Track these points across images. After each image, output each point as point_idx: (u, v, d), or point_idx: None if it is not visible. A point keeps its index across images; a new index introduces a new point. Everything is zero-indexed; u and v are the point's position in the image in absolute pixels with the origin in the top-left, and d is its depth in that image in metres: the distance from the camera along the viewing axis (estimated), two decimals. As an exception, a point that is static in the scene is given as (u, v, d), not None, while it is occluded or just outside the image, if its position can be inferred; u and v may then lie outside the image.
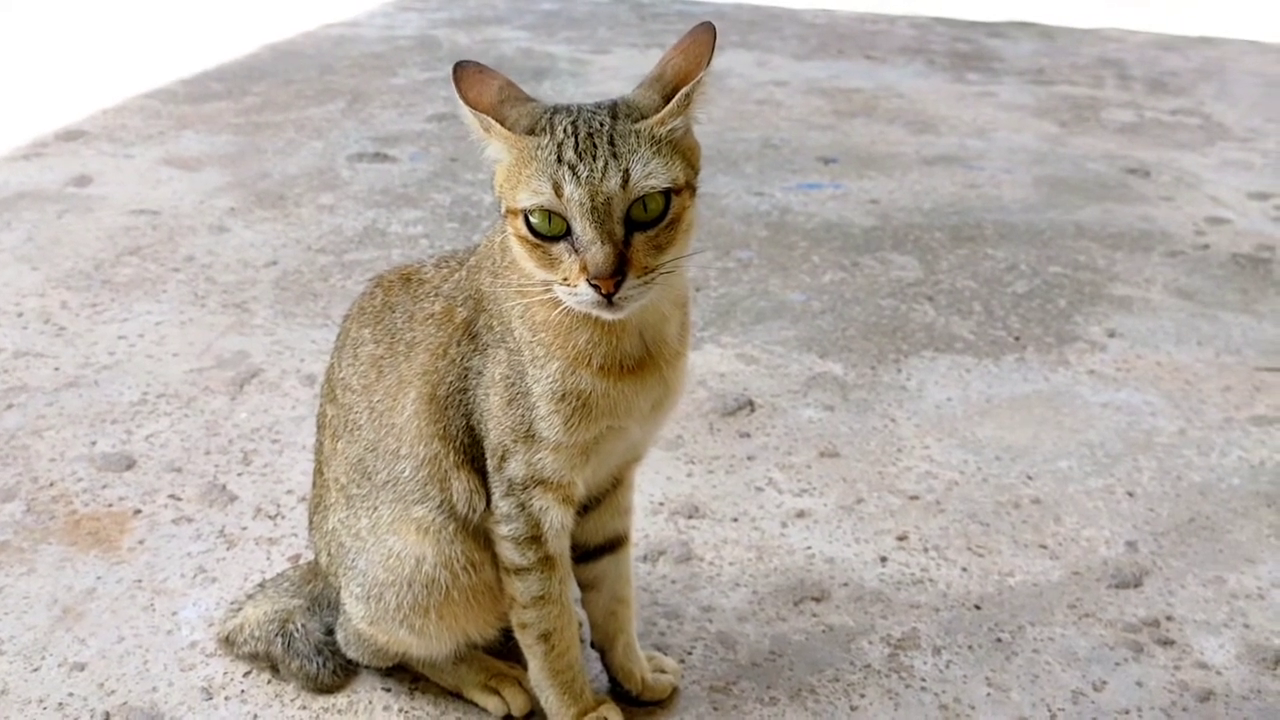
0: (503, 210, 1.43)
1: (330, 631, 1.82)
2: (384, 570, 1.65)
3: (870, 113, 4.97)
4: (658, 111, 1.37)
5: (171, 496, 2.28)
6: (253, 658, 1.84)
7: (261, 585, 1.95)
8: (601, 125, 1.36)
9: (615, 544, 1.77)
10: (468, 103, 1.40)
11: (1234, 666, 1.91)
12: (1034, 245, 3.60)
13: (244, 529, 2.19)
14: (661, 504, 2.29)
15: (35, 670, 1.84)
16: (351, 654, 1.80)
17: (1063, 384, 2.79)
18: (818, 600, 2.04)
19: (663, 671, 1.83)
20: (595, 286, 1.34)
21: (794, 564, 2.13)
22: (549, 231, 1.37)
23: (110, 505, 2.25)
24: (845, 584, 2.08)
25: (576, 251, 1.35)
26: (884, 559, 2.15)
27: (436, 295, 1.63)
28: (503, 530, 1.58)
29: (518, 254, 1.43)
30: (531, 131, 1.38)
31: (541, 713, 1.72)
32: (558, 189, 1.34)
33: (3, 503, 2.25)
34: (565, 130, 1.36)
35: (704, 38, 1.41)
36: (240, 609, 1.89)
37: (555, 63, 5.64)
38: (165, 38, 6.04)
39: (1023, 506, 2.32)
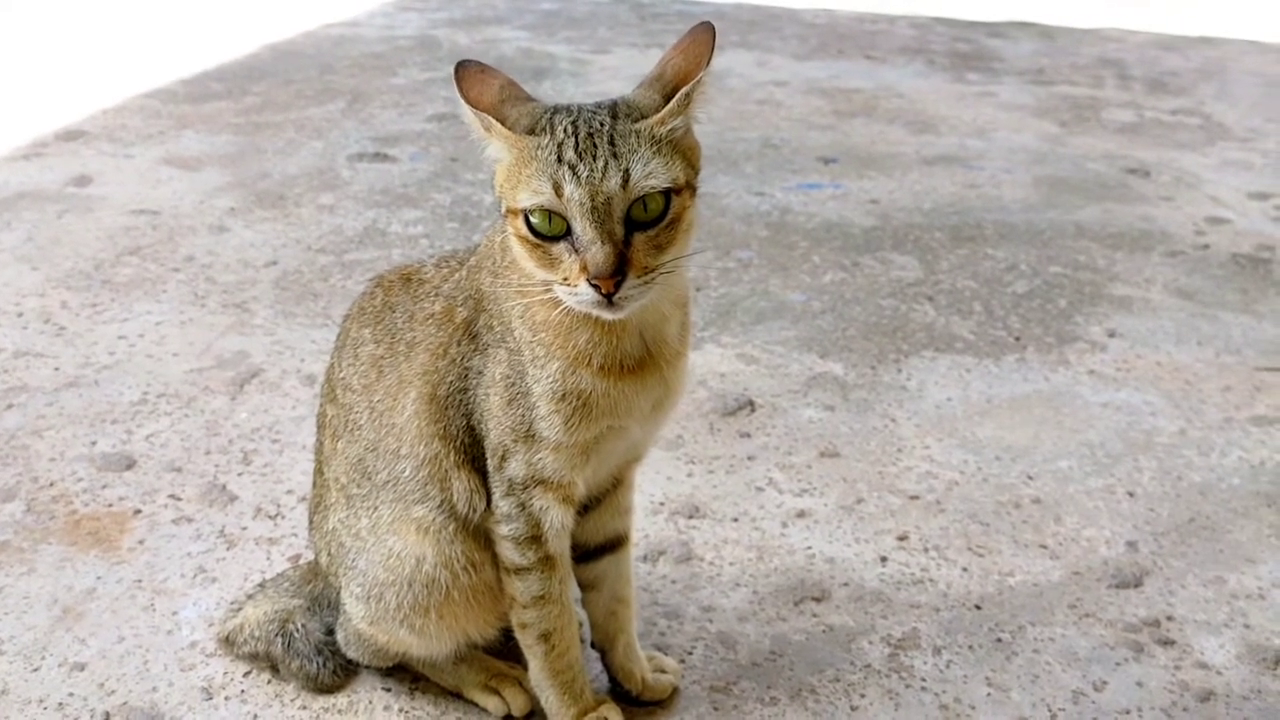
0: (503, 210, 1.43)
1: (330, 631, 1.82)
2: (384, 570, 1.65)
3: (870, 113, 4.97)
4: (658, 111, 1.37)
5: (172, 496, 2.28)
6: (253, 658, 1.84)
7: (262, 585, 1.95)
8: (602, 125, 1.36)
9: (615, 544, 1.77)
10: (469, 102, 1.40)
11: (1234, 666, 1.91)
12: (1034, 245, 3.60)
13: (244, 529, 2.19)
14: (662, 504, 2.29)
15: (35, 670, 1.84)
16: (352, 654, 1.80)
17: (1063, 384, 2.79)
18: (818, 600, 2.04)
19: (663, 671, 1.83)
20: (595, 286, 1.34)
21: (794, 564, 2.13)
22: (549, 231, 1.37)
23: (110, 505, 2.25)
24: (845, 584, 2.08)
25: (577, 251, 1.35)
26: (884, 559, 2.15)
27: (437, 295, 1.63)
28: (503, 530, 1.58)
29: (518, 254, 1.43)
30: (532, 131, 1.38)
31: (542, 713, 1.72)
32: (558, 189, 1.34)
33: (3, 503, 2.25)
34: (565, 130, 1.36)
35: (704, 37, 1.41)
36: (240, 609, 1.89)
37: (555, 63, 5.64)
38: (165, 38, 6.04)
39: (1023, 506, 2.32)
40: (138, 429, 2.50)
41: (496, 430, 1.54)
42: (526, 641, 1.67)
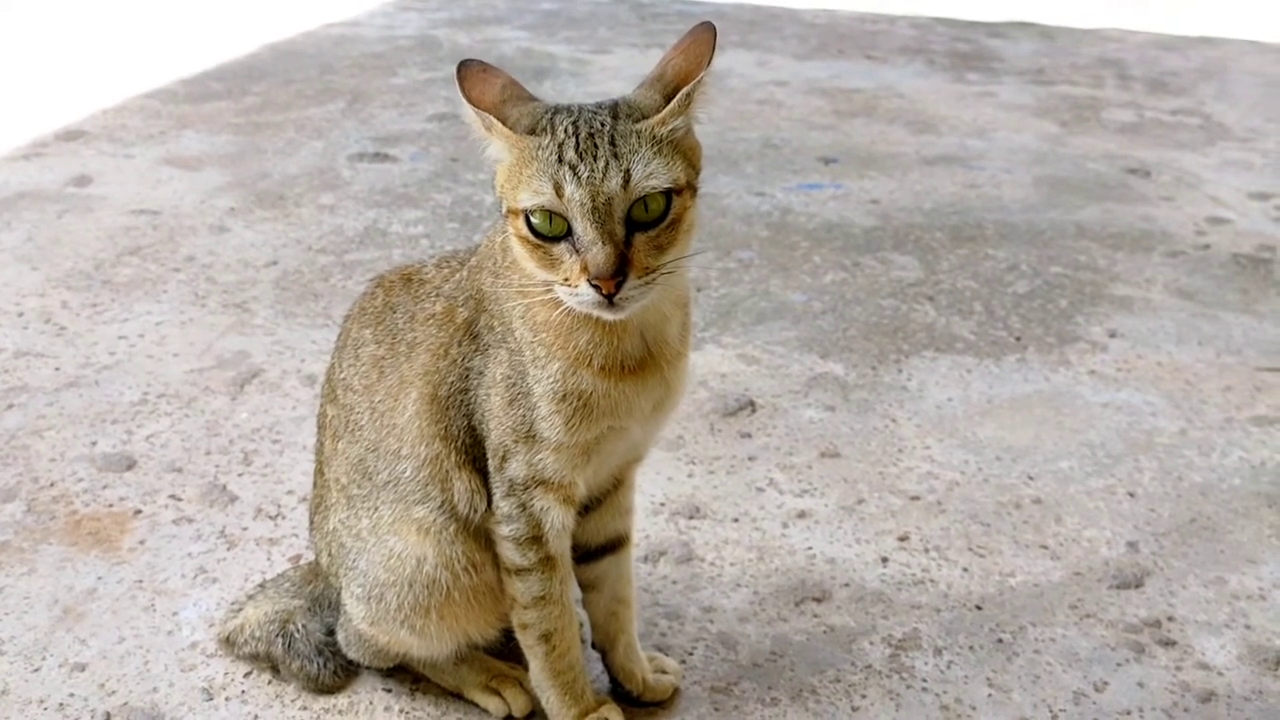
0: (504, 210, 1.43)
1: (331, 632, 1.82)
2: (385, 571, 1.65)
3: (871, 113, 4.96)
4: (659, 111, 1.37)
5: (172, 497, 2.28)
6: (253, 658, 1.84)
7: (262, 586, 1.95)
8: (602, 125, 1.36)
9: (616, 544, 1.77)
10: (470, 101, 1.40)
11: (1235, 667, 1.91)
12: (1034, 245, 3.60)
13: (244, 529, 2.19)
14: (662, 504, 2.29)
15: (36, 670, 1.84)
16: (352, 654, 1.80)
17: (1063, 384, 2.79)
18: (819, 601, 2.04)
19: (664, 672, 1.83)
20: (596, 287, 1.34)
21: (795, 564, 2.13)
22: (550, 232, 1.37)
23: (111, 505, 2.25)
24: (846, 584, 2.08)
25: (577, 252, 1.35)
26: (885, 559, 2.15)
27: (438, 295, 1.63)
28: (504, 531, 1.58)
29: (519, 254, 1.43)
30: (532, 131, 1.38)
31: (542, 713, 1.72)
32: (558, 189, 1.34)
33: (3, 503, 2.25)
34: (566, 130, 1.36)
35: (704, 37, 1.40)
36: (241, 609, 1.89)
37: (555, 63, 5.64)
38: (165, 38, 6.04)
39: (1024, 507, 2.32)
40: (138, 429, 2.50)
41: (497, 431, 1.54)
42: (527, 642, 1.67)
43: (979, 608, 2.03)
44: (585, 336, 1.47)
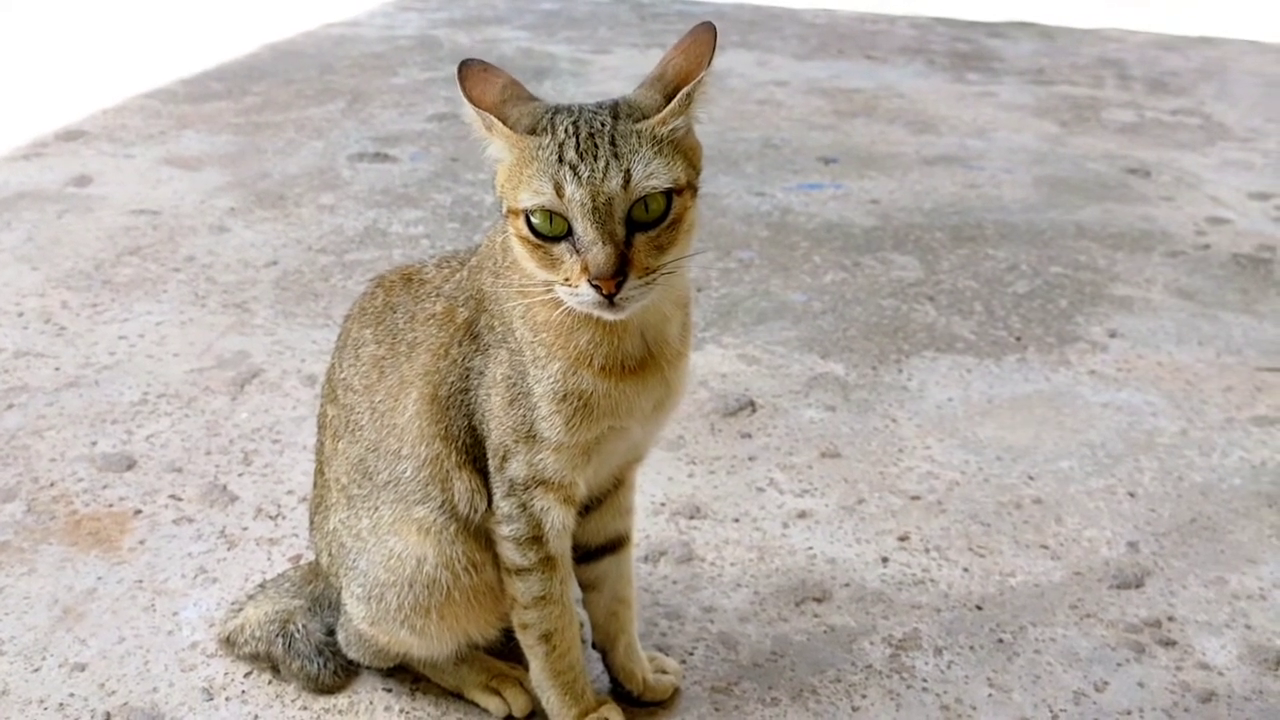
0: (504, 210, 1.43)
1: (331, 632, 1.82)
2: (385, 571, 1.65)
3: (871, 113, 4.96)
4: (659, 111, 1.37)
5: (172, 497, 2.28)
6: (253, 658, 1.84)
7: (262, 586, 1.95)
8: (603, 125, 1.36)
9: (617, 544, 1.77)
10: (471, 100, 1.40)
11: (1236, 667, 1.91)
12: (1035, 245, 3.59)
13: (245, 529, 2.19)
14: (663, 504, 2.29)
15: (36, 670, 1.84)
16: (352, 654, 1.80)
17: (1064, 384, 2.79)
18: (819, 601, 2.04)
19: (664, 672, 1.83)
20: (596, 287, 1.34)
21: (795, 564, 2.13)
22: (550, 232, 1.37)
23: (111, 505, 2.25)
24: (847, 584, 2.08)
25: (578, 252, 1.35)
26: (885, 559, 2.15)
27: (438, 295, 1.63)
28: (504, 531, 1.58)
29: (519, 254, 1.43)
30: (533, 131, 1.38)
31: (543, 713, 1.71)
32: (559, 189, 1.33)
33: (3, 503, 2.25)
34: (566, 130, 1.36)
35: (704, 37, 1.40)
36: (241, 609, 1.89)
37: (556, 63, 5.64)
38: (165, 38, 6.04)
39: (1024, 507, 2.32)
40: (138, 429, 2.50)
41: (498, 431, 1.54)
42: (527, 642, 1.67)
43: (979, 608, 2.03)
44: (585, 336, 1.47)
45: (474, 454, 1.59)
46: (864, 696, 1.83)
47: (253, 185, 3.93)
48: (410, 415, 1.61)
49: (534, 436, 1.51)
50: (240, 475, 2.35)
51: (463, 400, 1.58)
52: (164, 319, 2.99)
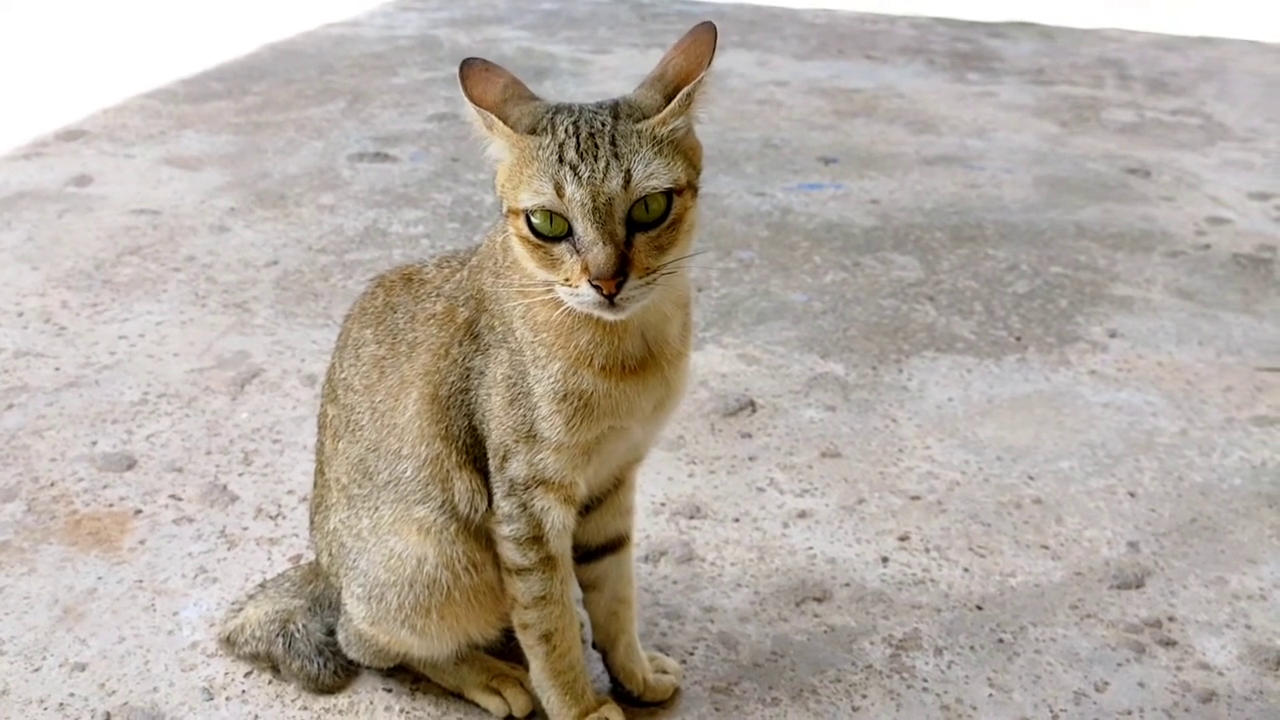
0: (504, 210, 1.43)
1: (331, 632, 1.82)
2: (385, 570, 1.65)
3: (871, 113, 4.96)
4: (659, 111, 1.37)
5: (172, 496, 2.28)
6: (254, 658, 1.84)
7: (262, 585, 1.95)
8: (603, 125, 1.35)
9: (617, 544, 1.77)
10: (472, 99, 1.40)
11: (1236, 667, 1.91)
12: (1035, 245, 3.59)
13: (245, 529, 2.19)
14: (663, 504, 2.29)
15: (36, 670, 1.84)
16: (353, 654, 1.80)
17: (1064, 384, 2.79)
18: (819, 601, 2.04)
19: (664, 672, 1.83)
20: (597, 287, 1.34)
21: (795, 564, 2.13)
22: (550, 232, 1.37)
23: (111, 505, 2.25)
24: (847, 584, 2.08)
25: (578, 252, 1.35)
26: (885, 559, 2.15)
27: (438, 295, 1.63)
28: (504, 530, 1.58)
29: (519, 254, 1.43)
30: (533, 131, 1.38)
31: (543, 713, 1.71)
32: (559, 189, 1.33)
33: (3, 503, 2.25)
34: (567, 130, 1.36)
35: (704, 37, 1.40)
36: (241, 609, 1.89)
37: (556, 63, 5.64)
38: (165, 38, 6.04)
39: (1024, 507, 2.32)
40: (138, 429, 2.50)
41: (498, 430, 1.54)
42: (528, 642, 1.66)
43: (980, 608, 2.03)
44: (586, 336, 1.47)
45: (474, 454, 1.59)
46: (864, 696, 1.83)
47: (253, 185, 3.93)
48: (410, 415, 1.61)
49: (534, 436, 1.51)
50: (240, 475, 2.35)
51: (463, 400, 1.58)
52: (164, 319, 2.99)
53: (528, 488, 1.55)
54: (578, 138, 1.34)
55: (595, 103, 1.41)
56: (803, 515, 2.27)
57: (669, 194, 1.36)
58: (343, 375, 1.71)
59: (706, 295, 3.19)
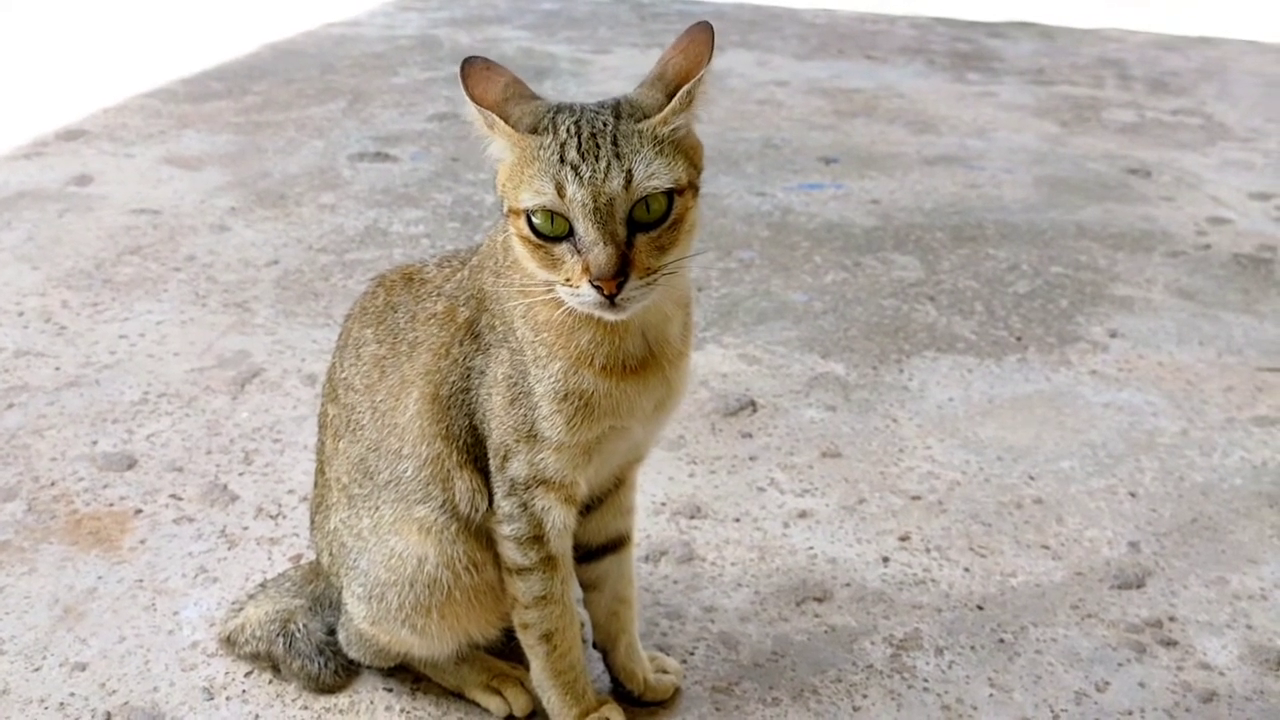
0: (505, 210, 1.43)
1: (332, 631, 1.82)
2: (386, 570, 1.65)
3: (871, 113, 4.96)
4: (660, 110, 1.37)
5: (173, 496, 2.28)
6: (254, 658, 1.84)
7: (263, 585, 1.94)
8: (605, 125, 1.35)
9: (617, 544, 1.77)
10: (474, 98, 1.40)
11: (1237, 667, 1.91)
12: (1035, 245, 3.59)
13: (245, 529, 2.19)
14: (663, 504, 2.29)
15: (36, 670, 1.84)
16: (353, 654, 1.80)
17: (1064, 384, 2.79)
18: (820, 600, 2.04)
19: (665, 672, 1.83)
20: (598, 287, 1.34)
21: (796, 564, 2.13)
22: (551, 232, 1.36)
23: (111, 505, 2.25)
24: (847, 584, 2.08)
25: (579, 252, 1.35)
26: (886, 559, 2.15)
27: (439, 295, 1.63)
28: (505, 530, 1.58)
29: (520, 254, 1.43)
30: (535, 130, 1.38)
31: (543, 713, 1.71)
32: (560, 189, 1.33)
33: (4, 502, 2.25)
34: (568, 130, 1.36)
35: (702, 36, 1.41)
36: (241, 609, 1.88)
37: (556, 62, 5.64)
38: (165, 38, 6.03)
39: (1025, 507, 2.32)
40: (139, 429, 2.50)
41: (499, 430, 1.54)
42: (528, 642, 1.66)
43: (980, 608, 2.03)
44: (587, 336, 1.47)
45: (475, 453, 1.59)
46: (865, 696, 1.83)
47: (253, 185, 3.93)
48: (411, 414, 1.61)
49: (535, 436, 1.51)
50: (241, 475, 2.35)
51: (464, 400, 1.58)
52: (164, 318, 2.99)
53: (528, 487, 1.55)
54: (579, 137, 1.34)
55: (596, 102, 1.41)
56: (803, 515, 2.27)
57: (670, 194, 1.36)
58: (343, 375, 1.71)
59: (707, 295, 3.19)
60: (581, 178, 1.33)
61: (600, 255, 1.33)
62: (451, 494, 1.61)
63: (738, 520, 2.25)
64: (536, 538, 1.58)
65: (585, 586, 1.79)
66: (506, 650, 1.81)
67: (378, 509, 1.66)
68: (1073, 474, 2.43)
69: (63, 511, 2.22)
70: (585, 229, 1.34)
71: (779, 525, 2.24)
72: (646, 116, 1.37)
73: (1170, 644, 1.95)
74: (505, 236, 1.50)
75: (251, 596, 1.91)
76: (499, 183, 1.43)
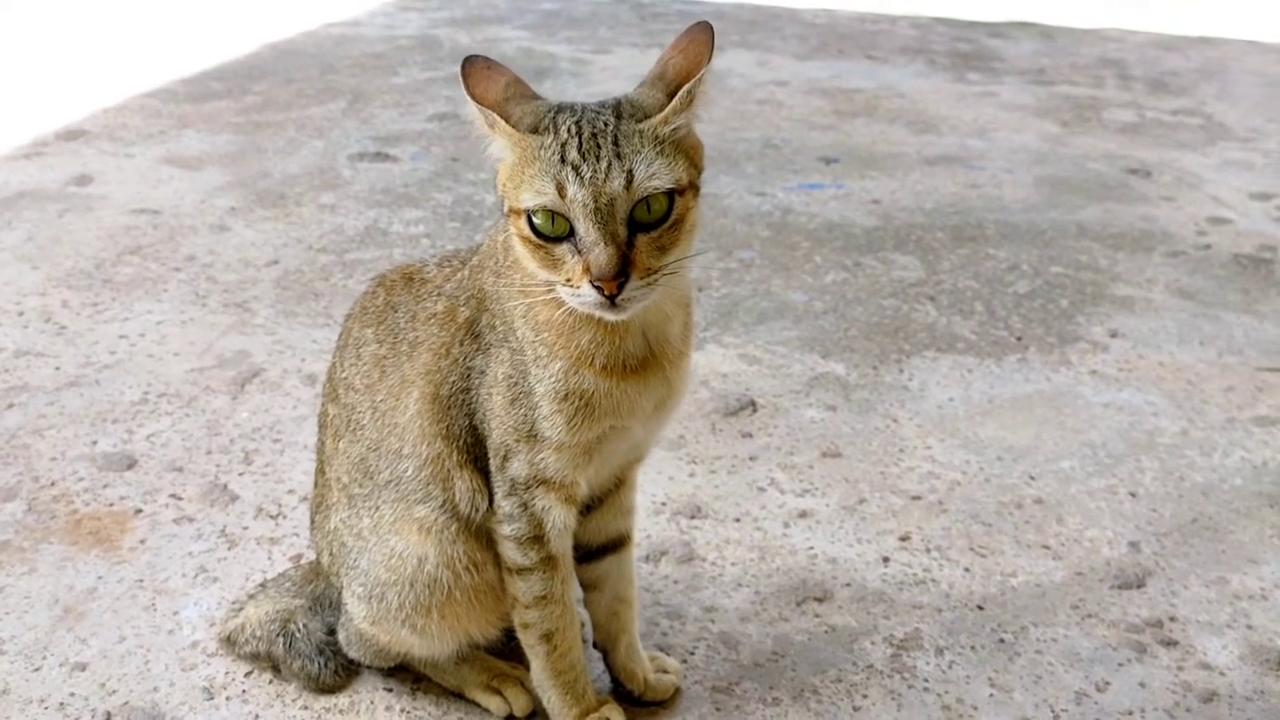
0: (505, 210, 1.43)
1: (332, 631, 1.82)
2: (386, 570, 1.65)
3: (871, 113, 4.96)
4: (661, 110, 1.37)
5: (173, 496, 2.28)
6: (254, 658, 1.84)
7: (263, 585, 1.94)
8: (605, 125, 1.35)
9: (618, 544, 1.77)
10: (474, 98, 1.40)
11: (1237, 667, 1.90)
12: (1035, 245, 3.59)
13: (245, 529, 2.19)
14: (664, 504, 2.29)
15: (36, 670, 1.84)
16: (353, 654, 1.79)
17: (1065, 384, 2.79)
18: (820, 600, 2.04)
19: (665, 672, 1.82)
20: (598, 288, 1.34)
21: (796, 564, 2.13)
22: (552, 232, 1.36)
23: (111, 505, 2.25)
24: (848, 584, 2.08)
25: (579, 252, 1.35)
26: (886, 559, 2.15)
27: (439, 295, 1.63)
28: (505, 530, 1.58)
29: (520, 254, 1.43)
30: (535, 130, 1.38)
31: (544, 713, 1.71)
32: (561, 190, 1.33)
33: (4, 502, 2.25)
34: (569, 130, 1.35)
35: (701, 36, 1.41)
36: (242, 609, 1.88)
37: (556, 62, 5.64)
38: (165, 38, 6.03)
39: (1025, 507, 2.32)
40: (139, 428, 2.50)
41: (499, 430, 1.54)
42: (528, 641, 1.66)
43: (980, 608, 2.03)
44: (587, 336, 1.47)
45: (475, 453, 1.59)
46: (865, 696, 1.83)
47: (253, 185, 3.93)
48: (411, 414, 1.61)
49: (535, 436, 1.51)
50: (241, 474, 2.35)
51: (464, 399, 1.58)
52: (164, 318, 2.99)
53: (529, 487, 1.55)
54: (580, 137, 1.34)
55: (597, 102, 1.41)
56: (803, 515, 2.27)
57: (671, 194, 1.36)
58: (343, 374, 1.71)
59: (707, 295, 3.19)
60: (582, 178, 1.32)
61: (601, 255, 1.33)
62: (452, 494, 1.61)
63: (738, 520, 2.25)
64: (537, 538, 1.57)
65: (585, 586, 1.79)
66: (507, 650, 1.81)
67: (378, 509, 1.66)
68: (1073, 474, 2.43)
69: (63, 511, 2.22)
70: (586, 229, 1.33)
71: (779, 525, 2.24)
72: (647, 116, 1.37)
73: (1170, 644, 1.95)
74: (506, 236, 1.50)
75: (251, 596, 1.91)
76: (499, 182, 1.43)
